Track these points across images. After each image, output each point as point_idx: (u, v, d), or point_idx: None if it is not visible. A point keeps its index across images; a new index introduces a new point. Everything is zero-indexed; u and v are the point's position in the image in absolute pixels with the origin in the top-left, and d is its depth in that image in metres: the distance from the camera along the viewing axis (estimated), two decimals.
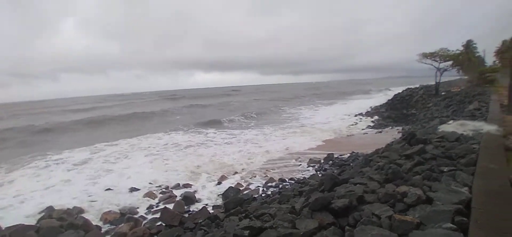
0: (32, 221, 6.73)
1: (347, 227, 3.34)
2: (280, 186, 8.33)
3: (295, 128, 19.37)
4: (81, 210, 7.50)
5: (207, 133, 18.81)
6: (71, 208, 7.39)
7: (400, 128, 15.43)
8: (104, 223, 6.82)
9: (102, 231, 6.43)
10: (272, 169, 10.11)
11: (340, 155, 10.72)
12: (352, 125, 18.91)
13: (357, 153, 10.55)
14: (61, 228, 5.97)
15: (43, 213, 7.20)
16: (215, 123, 22.93)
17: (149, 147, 15.12)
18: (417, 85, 25.54)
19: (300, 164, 10.53)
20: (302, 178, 8.78)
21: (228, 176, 9.66)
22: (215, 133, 18.68)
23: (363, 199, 3.85)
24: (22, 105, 57.52)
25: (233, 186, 8.44)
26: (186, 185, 8.97)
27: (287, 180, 8.81)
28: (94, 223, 6.63)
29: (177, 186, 8.96)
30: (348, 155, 10.67)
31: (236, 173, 9.96)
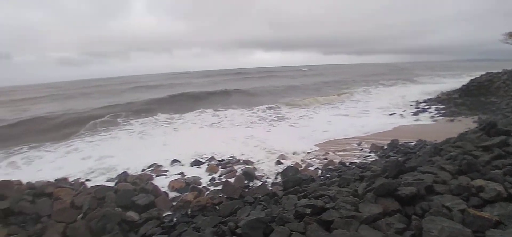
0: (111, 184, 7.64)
1: (414, 216, 3.22)
2: (340, 169, 8.20)
3: (360, 110, 18.89)
4: (150, 177, 8.29)
5: (279, 111, 19.34)
6: (144, 173, 8.25)
7: (475, 117, 14.06)
8: (171, 191, 7.38)
9: (169, 197, 6.96)
10: (332, 152, 9.96)
11: (406, 142, 10.15)
12: (420, 110, 17.67)
13: (425, 141, 9.90)
14: (135, 191, 6.58)
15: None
16: (289, 103, 23.13)
17: (219, 122, 16.15)
18: (500, 70, 22.78)
19: (362, 149, 10.22)
20: (363, 163, 8.54)
21: (287, 155, 9.74)
22: (289, 112, 19.06)
23: (433, 189, 3.66)
24: (103, 81, 62.21)
25: (292, 165, 8.50)
26: (247, 161, 9.29)
27: (347, 163, 8.63)
28: (162, 190, 7.24)
29: (238, 162, 9.34)
30: (414, 142, 10.07)
31: (295, 152, 10.00)
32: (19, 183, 7.27)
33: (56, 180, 8.19)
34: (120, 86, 41.72)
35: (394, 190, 3.66)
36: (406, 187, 3.69)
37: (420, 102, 20.67)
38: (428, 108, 18.09)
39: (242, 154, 10.13)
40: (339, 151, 10.06)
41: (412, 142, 10.11)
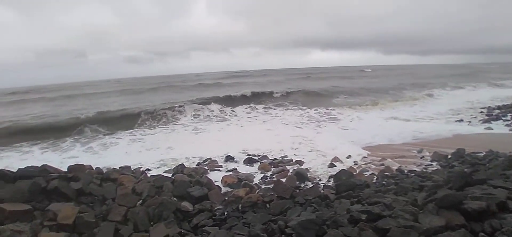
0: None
1: (481, 234, 2.94)
2: (397, 177, 7.77)
3: (422, 115, 17.62)
4: (205, 171, 8.63)
5: (332, 112, 18.92)
6: (199, 167, 8.64)
7: None
8: (224, 185, 7.59)
9: (221, 192, 7.16)
10: (389, 158, 9.47)
11: (474, 152, 9.30)
12: (493, 118, 15.96)
13: (497, 152, 8.97)
14: (190, 183, 6.88)
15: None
16: (344, 104, 22.67)
17: (271, 121, 16.46)
18: None
19: (423, 156, 9.58)
20: (423, 171, 8.00)
21: (341, 158, 9.48)
22: (341, 113, 18.62)
23: (506, 206, 3.31)
24: (165, 79, 65.35)
25: (346, 169, 8.26)
26: (299, 162, 9.22)
27: (405, 171, 8.15)
28: (216, 184, 7.49)
29: (290, 162, 9.31)
30: (484, 153, 9.18)
31: (349, 156, 9.69)
32: (90, 167, 8.01)
33: (120, 167, 8.88)
34: (182, 83, 43.53)
35: (459, 203, 3.37)
36: (473, 201, 3.39)
37: (493, 109, 18.73)
38: (503, 116, 16.28)
39: (295, 154, 10.11)
40: (397, 157, 9.53)
41: (481, 153, 9.23)
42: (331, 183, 7.65)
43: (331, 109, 19.90)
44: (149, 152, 11.57)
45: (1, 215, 5.18)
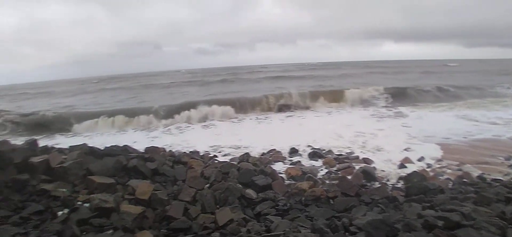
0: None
1: None
2: (478, 185, 7.04)
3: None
4: (269, 161, 8.78)
5: (402, 110, 17.82)
6: (263, 157, 8.84)
7: None
8: (288, 177, 7.63)
9: (285, 183, 7.21)
10: (469, 163, 8.61)
11: None
12: None
13: None
14: (255, 172, 7.05)
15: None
16: (414, 102, 21.09)
17: (335, 115, 16.14)
18: None
19: (511, 165, 8.54)
20: (511, 181, 7.13)
21: (413, 159, 8.89)
22: (414, 111, 17.41)
23: None
24: (233, 70, 66.29)
25: (418, 171, 7.72)
26: (367, 160, 8.87)
27: (488, 179, 7.35)
28: (279, 175, 7.58)
29: (357, 159, 9.01)
30: None
31: (422, 158, 9.04)
32: (163, 150, 8.67)
33: (190, 151, 9.46)
34: (248, 76, 43.89)
35: None
36: None
37: None
38: None
39: (362, 152, 9.74)
40: (478, 163, 8.62)
41: None
42: (400, 184, 7.24)
43: (400, 107, 18.73)
44: (220, 138, 12.40)
45: (92, 185, 5.89)
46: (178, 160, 7.95)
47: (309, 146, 10.35)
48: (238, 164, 7.87)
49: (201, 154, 9.62)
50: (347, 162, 8.65)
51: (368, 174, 7.58)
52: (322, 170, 8.33)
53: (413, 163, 8.67)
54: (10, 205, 4.71)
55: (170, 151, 8.92)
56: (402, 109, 18.11)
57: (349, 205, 5.73)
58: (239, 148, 10.71)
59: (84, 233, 4.25)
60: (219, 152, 10.27)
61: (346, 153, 9.64)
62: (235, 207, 5.45)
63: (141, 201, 5.42)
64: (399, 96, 22.18)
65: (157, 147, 8.56)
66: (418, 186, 6.36)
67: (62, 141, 13.48)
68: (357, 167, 8.17)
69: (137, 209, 5.06)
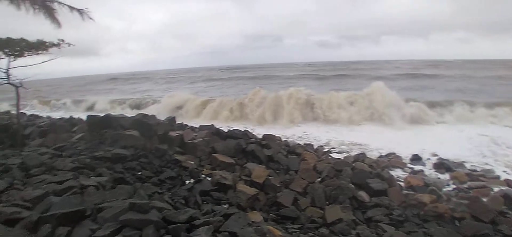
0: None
1: None
2: None
3: None
4: (387, 165, 8.21)
5: None
6: (381, 159, 8.31)
7: None
8: (406, 186, 7.00)
9: (402, 192, 6.64)
10: None
11: None
12: None
13: None
14: (370, 174, 6.71)
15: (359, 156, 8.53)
16: None
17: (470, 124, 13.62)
18: None
19: None
20: None
21: None
22: None
23: None
24: (354, 65, 60.50)
25: None
26: (511, 182, 7.39)
27: None
28: (397, 182, 7.02)
29: (497, 179, 7.57)
30: None
31: None
32: (279, 139, 9.04)
33: (305, 144, 9.60)
34: (370, 72, 39.56)
35: None
36: None
37: None
38: None
39: (504, 170, 8.15)
40: None
41: None
42: None
43: None
44: (329, 134, 12.23)
45: (215, 162, 6.62)
46: (292, 150, 8.19)
47: (435, 155, 9.19)
48: (352, 163, 7.62)
49: (315, 147, 9.65)
50: (483, 181, 7.37)
51: None
52: (449, 184, 7.34)
53: None
54: (152, 168, 5.66)
55: (285, 140, 9.23)
56: None
57: (480, 232, 4.93)
58: (356, 145, 10.32)
59: (204, 202, 4.82)
60: (333, 148, 10.09)
61: (483, 170, 8.18)
62: (345, 206, 5.32)
63: (256, 183, 5.82)
64: None
65: (274, 135, 8.96)
66: None
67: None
68: (496, 189, 6.90)
69: (251, 190, 5.46)
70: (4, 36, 7.73)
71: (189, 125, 10.51)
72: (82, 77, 74.58)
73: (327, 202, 5.58)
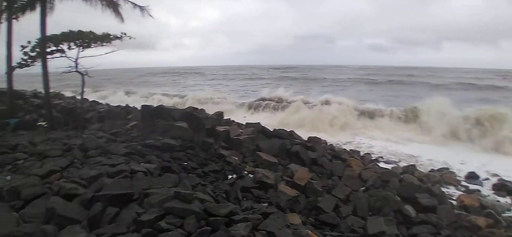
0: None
1: None
2: None
3: None
4: (439, 180, 7.67)
5: None
6: (432, 174, 7.78)
7: None
8: (459, 205, 6.47)
9: (454, 211, 6.17)
10: None
11: None
12: None
13: None
14: (419, 188, 6.30)
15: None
16: None
17: None
18: None
19: None
20: None
21: None
22: None
23: None
24: (410, 71, 54.52)
25: None
26: None
27: None
28: (449, 200, 6.53)
29: None
30: None
31: None
32: (325, 142, 8.87)
33: (351, 150, 9.31)
34: (428, 79, 36.33)
35: None
36: None
37: None
38: None
39: None
40: None
41: None
42: None
43: None
44: (378, 143, 11.58)
45: (258, 160, 6.68)
46: (338, 155, 7.98)
47: (495, 175, 8.38)
48: (401, 174, 7.23)
49: (362, 154, 9.33)
50: None
51: None
52: (510, 210, 6.68)
53: None
54: (198, 160, 5.87)
55: (331, 144, 9.03)
56: None
57: None
58: (406, 156, 9.78)
59: (244, 199, 4.89)
60: (381, 157, 9.66)
61: None
62: (389, 219, 5.08)
63: (297, 185, 5.77)
64: None
65: (319, 138, 8.81)
66: None
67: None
68: None
69: (292, 192, 5.43)
70: (75, 29, 8.56)
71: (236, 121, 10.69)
72: (139, 69, 79.27)
73: (369, 213, 5.37)
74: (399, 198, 5.80)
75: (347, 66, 75.77)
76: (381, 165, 8.53)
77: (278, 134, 8.07)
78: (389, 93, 24.87)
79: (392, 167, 8.34)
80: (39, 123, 9.23)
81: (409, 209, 5.60)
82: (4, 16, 9.98)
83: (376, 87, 30.12)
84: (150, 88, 31.24)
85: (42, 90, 10.04)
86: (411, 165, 8.45)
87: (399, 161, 9.37)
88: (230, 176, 5.57)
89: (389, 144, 11.46)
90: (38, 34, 8.74)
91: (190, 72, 57.75)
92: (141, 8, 9.41)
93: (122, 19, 9.45)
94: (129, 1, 9.31)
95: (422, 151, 10.45)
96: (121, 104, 13.34)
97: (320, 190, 5.79)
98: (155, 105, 8.60)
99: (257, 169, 6.05)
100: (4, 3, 9.45)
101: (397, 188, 6.22)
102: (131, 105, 12.93)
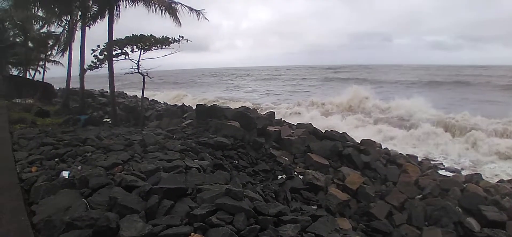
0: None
1: None
2: None
3: None
4: (510, 193, 6.92)
5: None
6: (502, 185, 7.03)
7: None
8: None
9: None
10: None
11: None
12: None
13: None
14: (485, 200, 5.75)
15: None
16: None
17: None
18: None
19: None
20: None
21: None
22: None
23: None
24: (478, 70, 48.77)
25: None
26: None
27: None
28: None
29: None
30: None
31: None
32: (379, 146, 8.50)
33: (407, 154, 8.81)
34: (498, 80, 31.52)
35: None
36: None
37: None
38: None
39: None
40: None
41: None
42: None
43: None
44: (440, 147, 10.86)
45: (308, 161, 6.61)
46: (393, 160, 7.61)
47: None
48: (463, 183, 6.67)
49: (419, 160, 8.77)
50: None
51: None
52: None
53: None
54: (248, 158, 5.96)
55: (386, 148, 8.62)
56: None
57: None
58: (471, 165, 9.02)
59: (293, 200, 4.86)
60: (441, 164, 9.02)
61: None
62: (448, 231, 4.70)
63: (348, 189, 5.61)
64: None
65: (373, 141, 8.47)
66: None
67: None
68: None
69: (343, 195, 5.29)
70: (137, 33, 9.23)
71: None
72: (192, 70, 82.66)
73: (426, 223, 5.02)
74: (460, 209, 5.35)
75: (406, 66, 71.42)
76: (441, 172, 7.95)
77: (330, 136, 7.89)
78: (459, 97, 22.58)
79: (453, 175, 7.73)
80: (104, 120, 10.12)
81: (472, 222, 5.11)
82: (78, 25, 11.10)
83: (439, 89, 27.57)
84: (203, 88, 32.48)
85: (108, 90, 10.98)
86: (476, 173, 7.75)
87: (462, 169, 8.68)
88: (279, 176, 5.57)
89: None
90: (103, 40, 9.57)
91: (240, 74, 58.92)
92: (197, 12, 9.80)
93: (179, 22, 9.92)
94: (186, 6, 9.75)
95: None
96: (177, 104, 14.01)
97: (373, 195, 5.57)
98: (208, 105, 8.93)
99: (307, 170, 5.99)
100: (79, 13, 10.50)
101: (459, 198, 5.74)
102: (187, 104, 13.52)
